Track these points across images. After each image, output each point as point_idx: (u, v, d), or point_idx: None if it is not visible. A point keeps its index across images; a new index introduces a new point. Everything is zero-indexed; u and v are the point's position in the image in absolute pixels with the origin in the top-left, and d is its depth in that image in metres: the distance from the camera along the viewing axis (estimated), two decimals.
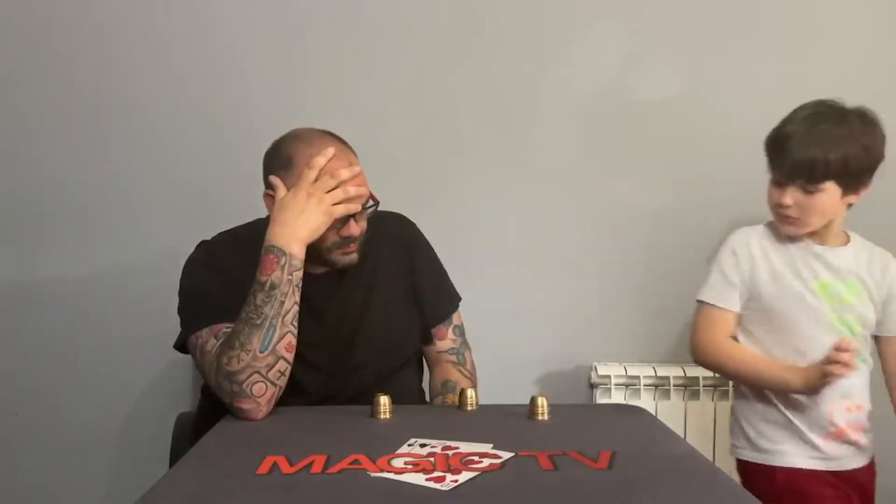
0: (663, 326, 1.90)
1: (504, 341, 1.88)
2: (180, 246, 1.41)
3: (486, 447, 1.03)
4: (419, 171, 1.90)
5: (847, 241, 1.41)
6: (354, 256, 1.35)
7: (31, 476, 1.94)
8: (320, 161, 1.25)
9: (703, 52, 1.92)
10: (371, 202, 1.33)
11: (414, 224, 1.53)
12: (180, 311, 1.34)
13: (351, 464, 0.97)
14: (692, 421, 1.86)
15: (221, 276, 1.32)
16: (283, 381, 1.22)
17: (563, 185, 1.93)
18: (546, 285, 1.94)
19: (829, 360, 1.25)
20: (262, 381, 1.19)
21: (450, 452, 1.01)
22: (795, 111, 1.35)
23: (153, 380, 1.94)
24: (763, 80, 1.92)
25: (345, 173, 1.25)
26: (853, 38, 1.91)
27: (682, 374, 1.87)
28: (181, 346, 1.36)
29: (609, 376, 1.85)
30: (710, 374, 1.88)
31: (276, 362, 1.20)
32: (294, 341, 1.23)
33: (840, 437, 1.37)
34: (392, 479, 0.92)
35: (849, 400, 1.37)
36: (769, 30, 1.91)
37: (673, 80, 1.91)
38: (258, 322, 1.19)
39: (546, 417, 1.20)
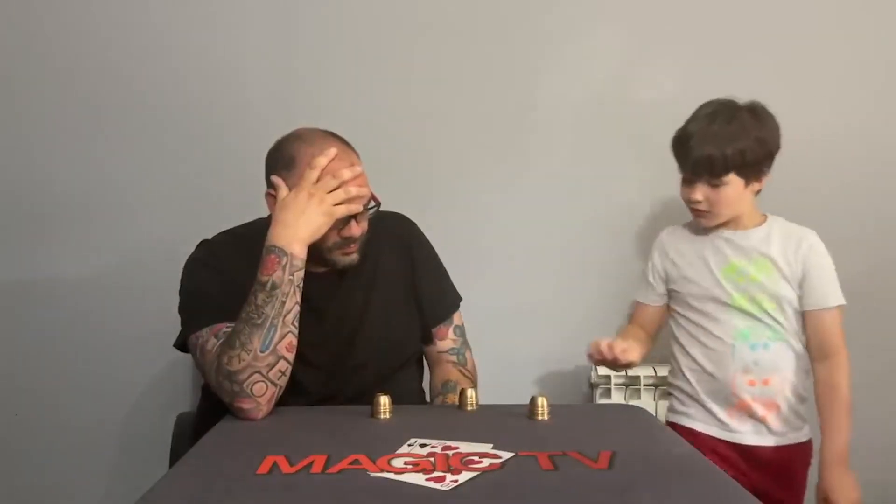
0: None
1: (504, 341, 1.88)
2: (180, 246, 1.41)
3: (486, 447, 1.03)
4: (419, 171, 1.90)
5: (762, 223, 1.47)
6: (355, 257, 1.35)
7: (31, 476, 1.94)
8: (322, 161, 1.25)
9: (703, 51, 1.92)
10: (372, 203, 1.33)
11: (414, 224, 1.54)
12: (181, 310, 1.34)
13: (351, 464, 0.97)
14: None
15: (222, 275, 1.32)
16: (283, 381, 1.22)
17: (564, 185, 1.93)
18: (546, 285, 1.94)
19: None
20: (263, 381, 1.19)
21: (450, 452, 1.01)
22: (695, 112, 1.43)
23: (153, 380, 1.94)
24: (762, 79, 1.91)
25: (346, 173, 1.25)
26: (852, 37, 1.92)
27: None
28: (181, 345, 1.36)
29: (609, 376, 1.85)
30: None
31: (277, 362, 1.20)
32: (295, 341, 1.23)
33: (744, 409, 1.44)
34: (392, 479, 0.92)
35: (752, 375, 1.43)
36: (768, 29, 1.91)
37: (673, 80, 1.91)
38: (259, 322, 1.19)
39: (546, 417, 1.20)
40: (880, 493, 1.99)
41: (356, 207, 1.28)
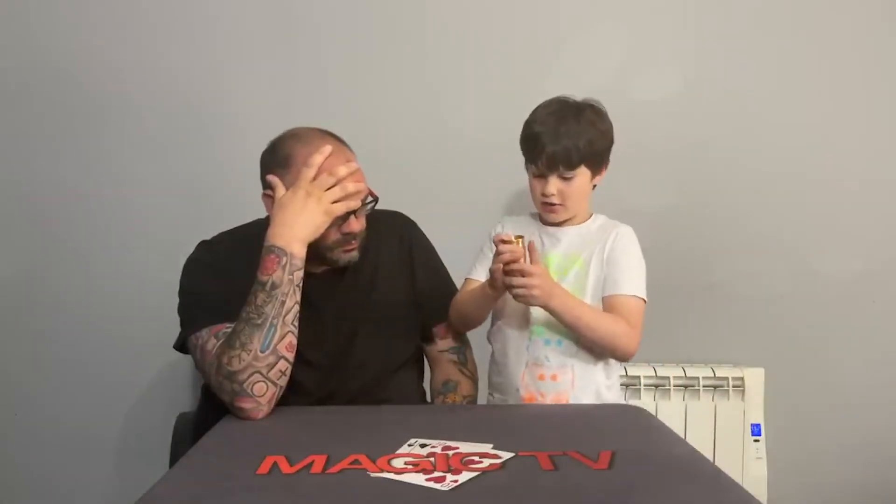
0: (663, 326, 1.90)
1: None
2: (180, 246, 1.41)
3: (486, 447, 1.03)
4: (419, 170, 1.90)
5: (587, 220, 1.47)
6: (355, 254, 1.35)
7: (31, 476, 1.95)
8: (318, 159, 1.25)
9: (703, 52, 1.92)
10: (370, 198, 1.33)
11: (413, 222, 1.53)
12: (180, 311, 1.34)
13: (351, 464, 0.97)
14: (692, 421, 1.86)
15: (221, 276, 1.32)
16: (283, 381, 1.22)
17: None
18: None
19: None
20: (263, 381, 1.19)
21: (450, 452, 1.01)
22: (539, 111, 1.44)
23: (153, 380, 1.94)
24: (763, 80, 1.92)
25: (343, 170, 1.25)
26: (852, 36, 1.92)
27: (683, 374, 1.87)
28: (181, 346, 1.36)
29: None
30: (711, 373, 1.89)
31: (277, 362, 1.20)
32: (295, 341, 1.23)
33: (531, 403, 1.40)
34: (392, 480, 0.92)
35: (541, 368, 1.40)
36: (768, 29, 1.91)
37: (672, 80, 1.91)
38: (259, 322, 1.19)
39: None
40: (882, 493, 1.99)
41: (354, 204, 1.28)
